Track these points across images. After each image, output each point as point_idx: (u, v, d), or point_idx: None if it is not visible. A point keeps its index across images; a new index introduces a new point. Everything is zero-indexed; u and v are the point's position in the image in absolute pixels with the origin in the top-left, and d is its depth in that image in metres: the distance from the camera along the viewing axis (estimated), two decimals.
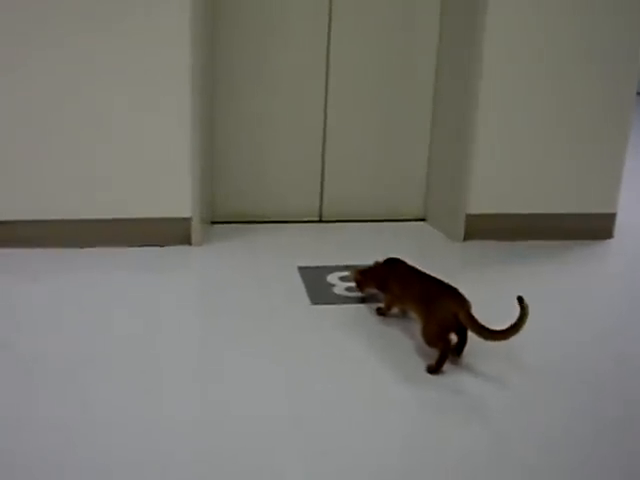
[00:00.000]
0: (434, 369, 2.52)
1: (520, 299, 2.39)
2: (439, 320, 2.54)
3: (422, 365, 2.53)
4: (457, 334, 2.58)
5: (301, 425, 2.22)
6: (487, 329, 2.44)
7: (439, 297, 2.57)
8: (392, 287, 2.84)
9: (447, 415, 2.31)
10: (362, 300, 3.01)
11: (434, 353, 2.53)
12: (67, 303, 2.92)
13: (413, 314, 2.71)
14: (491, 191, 3.71)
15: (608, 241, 3.86)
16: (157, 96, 3.35)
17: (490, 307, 2.53)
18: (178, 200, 3.46)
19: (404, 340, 2.71)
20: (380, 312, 2.91)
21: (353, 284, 3.00)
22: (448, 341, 2.54)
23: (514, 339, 2.39)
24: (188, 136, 3.40)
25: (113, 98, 3.33)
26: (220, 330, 2.79)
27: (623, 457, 2.17)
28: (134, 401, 2.31)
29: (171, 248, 3.45)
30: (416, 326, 2.63)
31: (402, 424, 2.25)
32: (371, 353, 2.63)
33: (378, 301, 2.93)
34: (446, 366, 2.51)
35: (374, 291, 2.95)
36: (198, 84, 3.35)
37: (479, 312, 2.49)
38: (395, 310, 2.89)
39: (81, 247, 3.40)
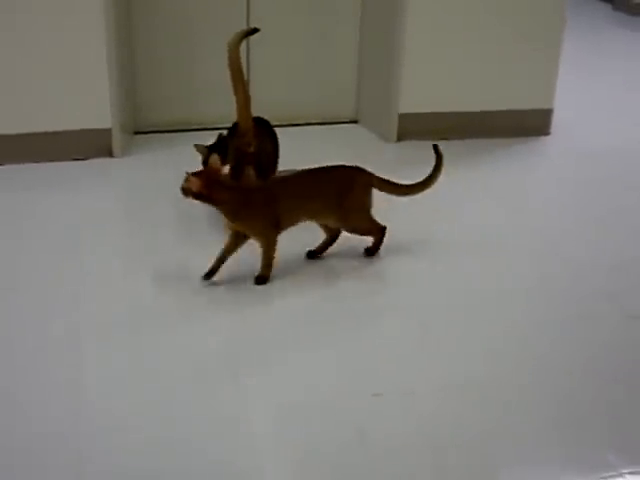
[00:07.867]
0: (371, 252, 2.54)
1: (435, 147, 2.46)
2: (363, 207, 2.47)
3: None
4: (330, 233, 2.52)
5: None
6: (404, 185, 2.44)
7: (351, 186, 2.44)
8: (284, 208, 2.42)
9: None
10: None
11: None
12: None
13: (322, 219, 2.52)
14: (424, 90, 3.60)
15: (545, 138, 3.79)
16: None
17: (426, 205, 2.53)
18: (96, 110, 3.29)
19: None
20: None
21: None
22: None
23: (448, 234, 2.34)
24: (103, 40, 3.20)
25: (17, 2, 3.10)
26: (142, 246, 2.71)
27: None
28: (50, 323, 2.24)
29: (91, 161, 3.29)
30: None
31: None
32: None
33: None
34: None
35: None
36: None
37: (415, 210, 2.45)
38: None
39: None
